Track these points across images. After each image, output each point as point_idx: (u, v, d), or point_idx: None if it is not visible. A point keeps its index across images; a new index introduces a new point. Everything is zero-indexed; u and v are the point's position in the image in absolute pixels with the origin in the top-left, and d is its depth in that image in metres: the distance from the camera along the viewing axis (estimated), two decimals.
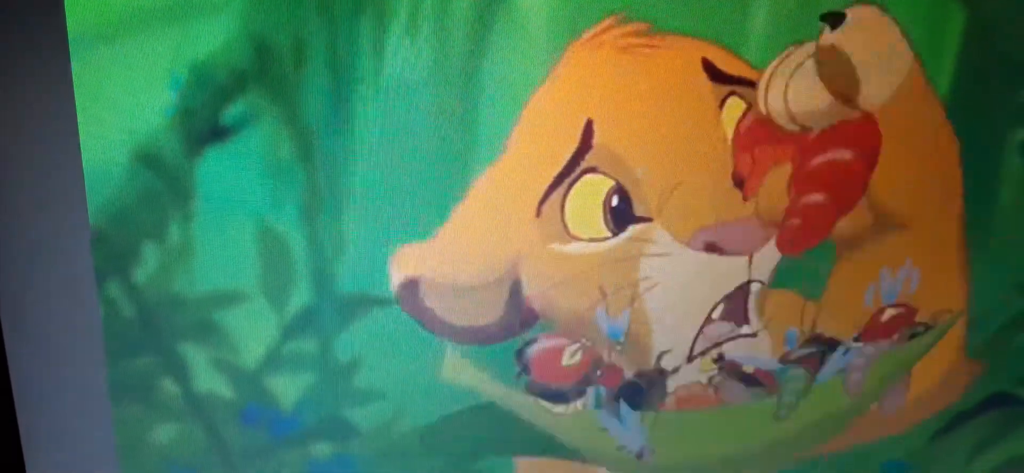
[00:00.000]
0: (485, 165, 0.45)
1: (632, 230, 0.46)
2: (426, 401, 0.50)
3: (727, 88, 0.45)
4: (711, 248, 0.47)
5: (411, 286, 0.46)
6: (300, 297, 0.47)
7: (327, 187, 0.45)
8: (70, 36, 0.41)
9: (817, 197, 0.47)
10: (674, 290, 0.48)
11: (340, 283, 0.46)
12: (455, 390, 0.49)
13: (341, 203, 0.45)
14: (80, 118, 0.42)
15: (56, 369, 0.48)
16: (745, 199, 0.46)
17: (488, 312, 0.47)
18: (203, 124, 0.43)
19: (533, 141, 0.44)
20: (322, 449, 0.50)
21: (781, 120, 0.45)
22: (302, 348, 0.48)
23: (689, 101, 0.45)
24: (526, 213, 0.46)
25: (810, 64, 0.45)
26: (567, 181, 0.45)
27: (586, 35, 0.43)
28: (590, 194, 0.46)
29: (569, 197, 0.46)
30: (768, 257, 0.48)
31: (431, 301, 0.47)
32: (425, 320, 0.47)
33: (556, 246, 0.46)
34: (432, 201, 0.45)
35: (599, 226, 0.46)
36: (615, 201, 0.46)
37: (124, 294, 0.46)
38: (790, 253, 0.48)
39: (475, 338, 0.48)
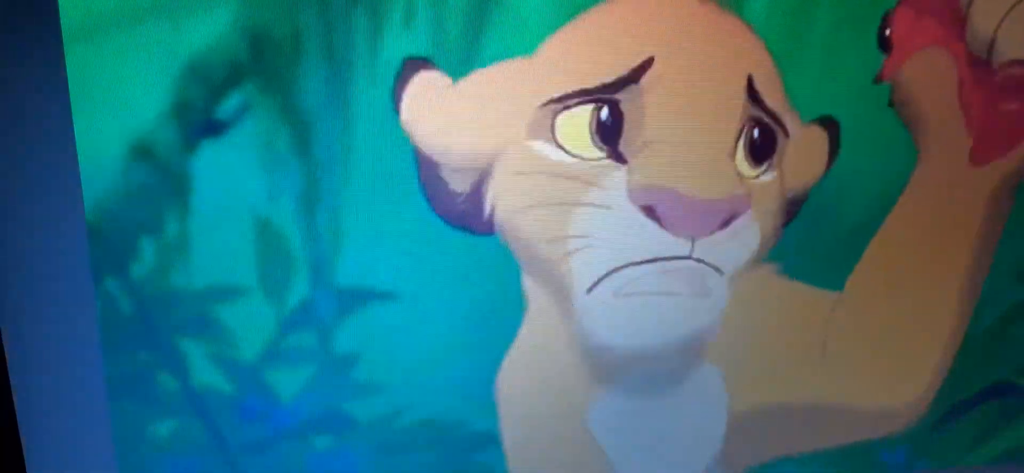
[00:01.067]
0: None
1: (601, 159, 0.45)
2: (425, 394, 0.50)
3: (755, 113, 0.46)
4: (649, 212, 0.46)
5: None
6: (298, 290, 0.46)
7: (325, 179, 0.44)
8: (64, 29, 0.41)
9: (1013, 105, 0.47)
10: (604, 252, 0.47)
11: (338, 276, 0.46)
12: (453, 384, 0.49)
13: (339, 195, 0.45)
14: (75, 112, 0.42)
15: (54, 365, 0.48)
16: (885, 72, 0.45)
17: (458, 180, 0.46)
18: (199, 117, 0.43)
19: (573, 47, 0.44)
20: (321, 442, 0.50)
21: (975, 43, 0.46)
22: (301, 341, 0.48)
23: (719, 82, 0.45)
24: (530, 103, 0.45)
25: None
26: (593, 99, 0.45)
27: None
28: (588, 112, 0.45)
29: (574, 110, 0.45)
30: (715, 245, 0.48)
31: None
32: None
33: (537, 144, 0.45)
34: None
35: (585, 139, 0.45)
36: (604, 114, 0.45)
37: (121, 289, 0.46)
38: (983, 162, 0.48)
39: (445, 206, 0.47)
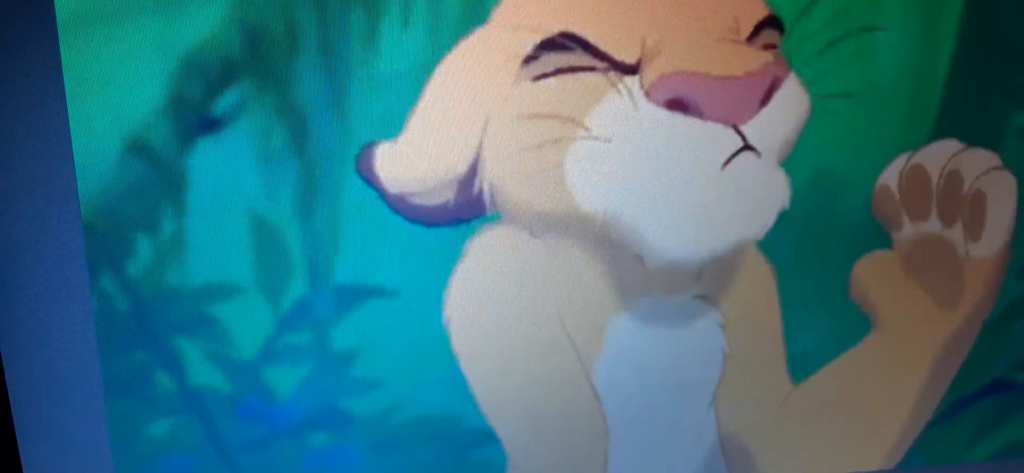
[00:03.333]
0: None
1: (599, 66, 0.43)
2: (422, 390, 0.49)
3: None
4: (677, 106, 0.44)
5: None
6: (295, 288, 0.46)
7: (321, 176, 0.44)
8: (59, 24, 0.40)
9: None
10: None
11: (336, 274, 0.46)
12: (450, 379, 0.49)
13: (336, 192, 0.45)
14: (70, 109, 0.42)
15: (50, 363, 0.48)
16: None
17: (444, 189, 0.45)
18: (195, 114, 0.43)
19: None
20: (319, 439, 0.50)
21: None
22: (298, 339, 0.47)
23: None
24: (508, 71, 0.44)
25: None
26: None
27: None
28: None
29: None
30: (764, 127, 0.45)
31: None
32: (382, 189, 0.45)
33: (526, 84, 0.44)
34: None
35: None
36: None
37: (117, 287, 0.46)
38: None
39: (425, 214, 0.46)
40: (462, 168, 0.44)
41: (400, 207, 0.45)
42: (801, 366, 0.51)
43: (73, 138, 0.42)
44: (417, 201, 0.45)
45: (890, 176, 0.48)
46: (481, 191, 0.45)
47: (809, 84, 0.46)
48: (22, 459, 0.50)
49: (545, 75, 0.43)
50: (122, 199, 0.44)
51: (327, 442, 0.50)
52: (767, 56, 0.44)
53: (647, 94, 0.44)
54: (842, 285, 0.50)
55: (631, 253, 0.47)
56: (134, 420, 0.49)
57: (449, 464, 0.51)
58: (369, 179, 0.44)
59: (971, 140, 0.49)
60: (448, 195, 0.45)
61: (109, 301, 0.46)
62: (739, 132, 0.45)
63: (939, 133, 0.48)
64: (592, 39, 0.43)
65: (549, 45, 0.43)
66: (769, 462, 0.53)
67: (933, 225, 0.48)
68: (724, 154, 0.45)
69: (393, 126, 0.44)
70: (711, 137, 0.45)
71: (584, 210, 0.46)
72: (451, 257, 0.47)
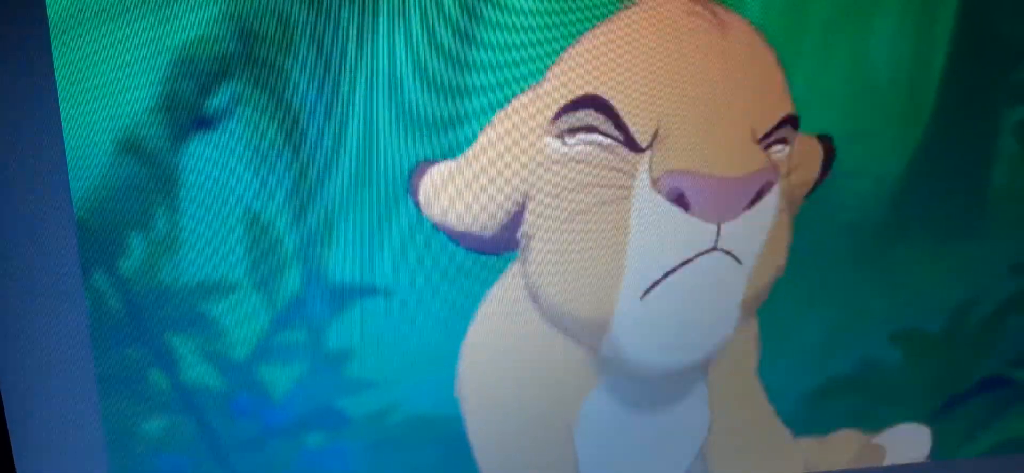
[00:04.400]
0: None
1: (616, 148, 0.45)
2: (419, 390, 0.49)
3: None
4: (678, 200, 0.45)
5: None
6: (290, 286, 0.46)
7: (316, 173, 0.44)
8: (50, 22, 0.40)
9: None
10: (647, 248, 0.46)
11: (330, 271, 0.46)
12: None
13: (330, 189, 0.44)
14: (62, 107, 0.42)
15: (43, 361, 0.47)
16: None
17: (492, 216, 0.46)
18: (188, 110, 0.42)
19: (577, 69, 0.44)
20: (314, 439, 0.50)
21: None
22: (293, 338, 0.47)
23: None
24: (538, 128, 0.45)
25: None
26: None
27: None
28: None
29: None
30: (739, 232, 0.47)
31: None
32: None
33: (550, 141, 0.45)
34: None
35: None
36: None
37: (110, 285, 0.45)
38: None
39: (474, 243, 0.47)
40: (512, 207, 0.46)
41: (453, 236, 0.46)
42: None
43: (65, 136, 0.42)
44: (461, 230, 0.46)
45: None
46: (518, 232, 0.46)
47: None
48: (15, 458, 0.50)
49: (571, 131, 0.45)
50: (115, 197, 0.44)
51: (323, 442, 0.50)
52: (764, 158, 0.46)
53: (654, 182, 0.45)
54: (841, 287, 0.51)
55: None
56: (128, 418, 0.49)
57: (446, 464, 0.51)
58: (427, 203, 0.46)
59: (966, 138, 0.49)
60: (492, 230, 0.46)
61: (102, 299, 0.46)
62: (718, 231, 0.47)
63: (934, 132, 0.48)
64: (616, 105, 0.45)
65: (573, 106, 0.44)
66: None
67: None
68: (698, 250, 0.47)
69: (388, 125, 0.44)
70: (691, 230, 0.47)
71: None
72: (447, 257, 0.47)
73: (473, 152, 0.45)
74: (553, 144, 0.45)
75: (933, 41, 0.47)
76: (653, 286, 0.48)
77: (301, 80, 0.42)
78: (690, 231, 0.46)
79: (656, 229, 0.46)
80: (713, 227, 0.46)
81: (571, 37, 0.43)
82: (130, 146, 0.43)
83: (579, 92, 0.44)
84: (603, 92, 0.44)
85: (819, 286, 0.51)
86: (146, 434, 0.49)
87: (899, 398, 0.54)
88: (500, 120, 0.44)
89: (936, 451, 0.56)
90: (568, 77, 0.44)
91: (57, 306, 0.46)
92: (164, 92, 0.42)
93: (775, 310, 0.51)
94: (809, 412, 0.54)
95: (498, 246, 0.47)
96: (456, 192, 0.45)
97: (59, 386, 0.48)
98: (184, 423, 0.49)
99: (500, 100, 0.44)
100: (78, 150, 0.43)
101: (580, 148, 0.45)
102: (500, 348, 0.49)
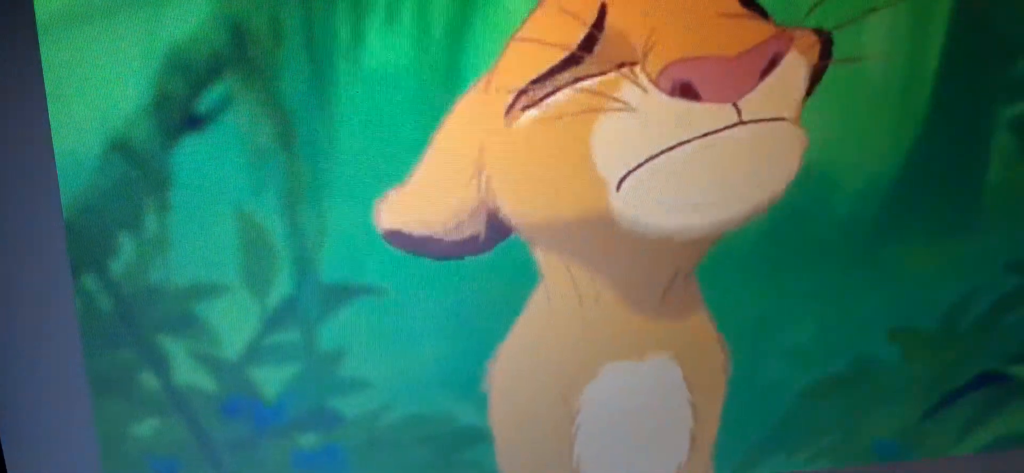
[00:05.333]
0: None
1: (597, 57, 0.43)
2: (412, 389, 0.49)
3: None
4: (684, 92, 0.44)
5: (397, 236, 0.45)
6: (282, 287, 0.46)
7: (308, 173, 0.44)
8: (38, 21, 0.40)
9: None
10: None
11: (323, 272, 0.46)
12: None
13: (323, 189, 0.44)
14: (51, 106, 0.41)
15: (34, 364, 0.47)
16: None
17: (466, 224, 0.46)
18: (179, 110, 0.42)
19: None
20: (308, 440, 0.50)
21: None
22: (285, 338, 0.47)
23: None
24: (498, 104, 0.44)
25: None
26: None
27: None
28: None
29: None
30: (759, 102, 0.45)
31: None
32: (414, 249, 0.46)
33: (517, 122, 0.44)
34: None
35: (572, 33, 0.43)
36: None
37: (101, 287, 0.45)
38: None
39: (457, 250, 0.47)
40: (472, 197, 0.45)
41: (432, 250, 0.46)
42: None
43: (54, 137, 0.42)
44: (448, 239, 0.46)
45: None
46: (498, 215, 0.46)
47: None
48: (7, 461, 0.50)
49: (546, 96, 0.44)
50: (105, 198, 0.43)
51: (316, 442, 0.50)
52: (769, 28, 0.44)
53: (656, 83, 0.44)
54: (837, 284, 0.50)
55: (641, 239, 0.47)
56: (120, 420, 0.48)
57: (440, 464, 0.51)
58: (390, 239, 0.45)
59: (961, 134, 0.49)
60: (473, 229, 0.45)
61: (92, 300, 0.45)
62: (736, 108, 0.45)
63: (929, 128, 0.48)
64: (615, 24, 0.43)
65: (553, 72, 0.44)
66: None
67: None
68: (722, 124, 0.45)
69: (380, 124, 0.44)
70: (712, 115, 0.45)
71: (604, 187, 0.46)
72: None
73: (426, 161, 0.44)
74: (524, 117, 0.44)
75: (928, 37, 0.47)
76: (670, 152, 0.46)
77: (293, 79, 0.42)
78: (708, 117, 0.45)
79: (661, 123, 0.45)
80: (731, 107, 0.44)
81: None
82: (120, 146, 0.42)
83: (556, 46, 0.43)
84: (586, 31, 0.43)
85: (815, 283, 0.51)
86: (138, 436, 0.49)
87: (895, 395, 0.54)
88: (450, 122, 0.44)
89: (932, 448, 0.56)
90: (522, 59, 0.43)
91: (47, 308, 0.46)
92: (155, 91, 0.41)
93: (772, 309, 0.51)
94: (805, 410, 0.54)
95: (492, 239, 0.46)
96: (422, 199, 0.45)
97: (50, 389, 0.48)
98: (176, 425, 0.49)
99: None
100: (67, 150, 0.42)
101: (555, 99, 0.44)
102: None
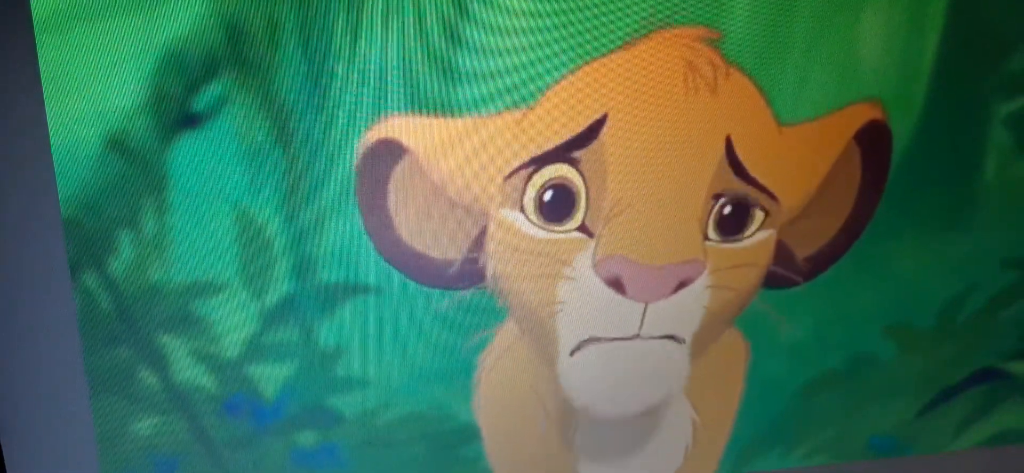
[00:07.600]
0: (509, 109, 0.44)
1: (554, 233, 0.46)
2: (410, 387, 0.49)
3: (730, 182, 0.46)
4: (614, 283, 0.47)
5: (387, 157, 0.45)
6: (281, 285, 0.46)
7: (306, 171, 0.44)
8: (35, 20, 0.40)
9: None
10: (581, 318, 0.48)
11: (321, 270, 0.46)
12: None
13: (321, 187, 0.44)
14: (48, 104, 0.41)
15: (33, 362, 0.47)
16: None
17: (449, 244, 0.46)
18: (176, 108, 0.42)
19: (557, 108, 0.44)
20: (306, 438, 0.50)
21: None
22: (284, 337, 0.47)
23: (693, 149, 0.45)
24: (497, 172, 0.45)
25: None
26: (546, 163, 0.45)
27: (663, 32, 0.43)
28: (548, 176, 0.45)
29: (539, 173, 0.45)
30: (662, 314, 0.48)
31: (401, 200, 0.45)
32: (380, 233, 0.46)
33: (505, 212, 0.45)
34: None
35: (533, 210, 0.46)
36: (548, 196, 0.45)
37: (99, 285, 0.45)
38: None
39: (420, 272, 0.47)
40: (473, 232, 0.46)
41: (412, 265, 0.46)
42: None
43: (51, 136, 0.42)
44: (431, 255, 0.46)
45: None
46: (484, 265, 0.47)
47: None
48: (6, 459, 0.49)
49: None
50: (103, 196, 0.43)
51: (315, 440, 0.50)
52: (698, 250, 0.47)
53: (595, 268, 0.47)
54: (833, 281, 0.50)
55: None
56: (119, 418, 0.48)
57: (438, 462, 0.51)
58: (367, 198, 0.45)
59: (957, 130, 0.49)
60: (456, 254, 0.46)
61: (91, 299, 0.45)
62: (643, 314, 0.49)
63: (925, 124, 0.48)
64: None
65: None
66: None
67: None
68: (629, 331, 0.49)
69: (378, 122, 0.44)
70: (626, 311, 0.48)
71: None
72: None
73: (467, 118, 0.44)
74: (513, 214, 0.45)
75: (924, 32, 0.47)
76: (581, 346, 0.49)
77: (289, 77, 0.42)
78: (620, 311, 0.48)
79: (594, 300, 0.48)
80: (640, 307, 0.48)
81: (560, 47, 0.43)
82: (118, 144, 0.42)
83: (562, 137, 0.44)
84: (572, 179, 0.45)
85: (811, 281, 0.51)
86: (137, 434, 0.49)
87: (892, 392, 0.54)
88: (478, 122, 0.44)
89: (929, 444, 0.56)
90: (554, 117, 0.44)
91: (46, 307, 0.46)
92: (152, 90, 0.41)
93: (769, 307, 0.51)
94: (802, 406, 0.54)
95: (462, 279, 0.47)
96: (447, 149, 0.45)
97: (49, 387, 0.48)
98: (175, 423, 0.49)
99: (490, 98, 0.44)
100: (65, 149, 0.42)
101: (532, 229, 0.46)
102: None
